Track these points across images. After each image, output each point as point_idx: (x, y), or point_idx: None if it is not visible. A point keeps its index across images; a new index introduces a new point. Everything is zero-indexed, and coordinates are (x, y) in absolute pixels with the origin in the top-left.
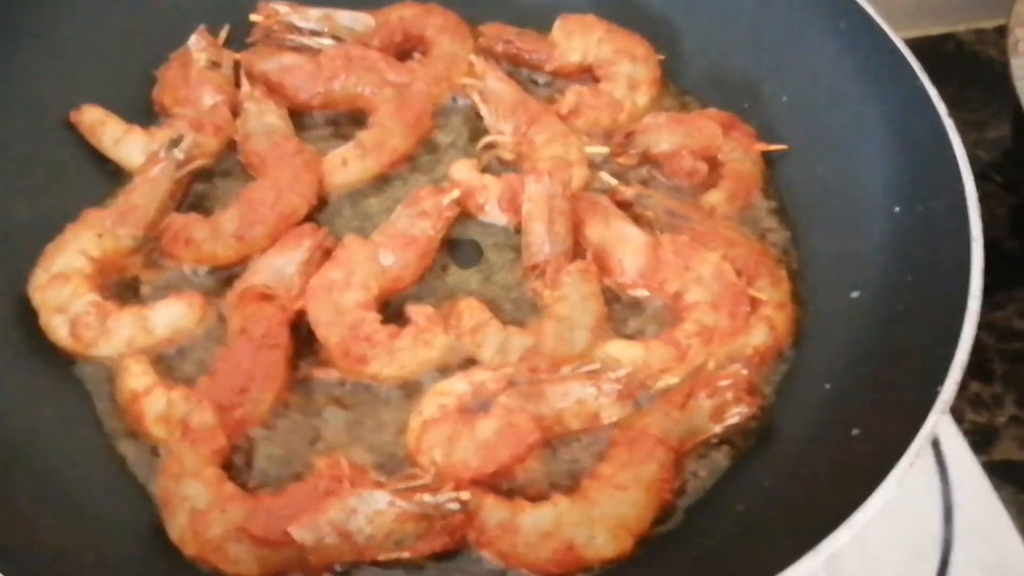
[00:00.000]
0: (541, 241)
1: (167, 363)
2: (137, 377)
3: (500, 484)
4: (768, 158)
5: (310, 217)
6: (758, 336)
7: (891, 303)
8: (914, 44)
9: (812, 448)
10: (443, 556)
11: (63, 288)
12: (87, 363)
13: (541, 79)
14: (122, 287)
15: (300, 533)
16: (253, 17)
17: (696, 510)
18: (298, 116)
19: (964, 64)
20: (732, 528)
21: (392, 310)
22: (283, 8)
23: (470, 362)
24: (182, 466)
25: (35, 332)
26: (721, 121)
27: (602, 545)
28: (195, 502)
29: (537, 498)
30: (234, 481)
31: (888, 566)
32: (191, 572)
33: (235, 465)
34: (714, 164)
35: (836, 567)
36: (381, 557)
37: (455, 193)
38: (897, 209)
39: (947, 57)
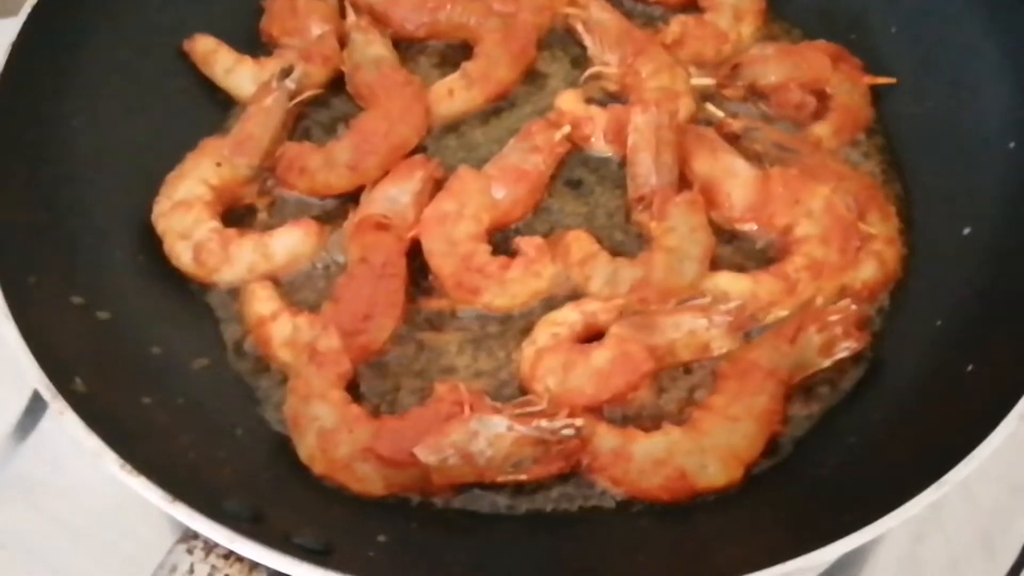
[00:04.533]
0: (648, 172)
1: (285, 285)
2: (264, 302)
3: (611, 413)
4: (876, 91)
5: (418, 148)
6: (867, 271)
7: (1005, 240)
8: None
9: (924, 383)
10: (559, 479)
11: (186, 215)
12: (212, 289)
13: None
14: (238, 214)
15: (425, 454)
16: None
17: (806, 442)
18: (398, 45)
19: None
20: (844, 459)
21: (500, 241)
22: None
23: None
24: (310, 388)
25: (160, 258)
26: (830, 53)
27: (714, 474)
28: (323, 423)
29: (647, 427)
30: (357, 403)
31: (986, 501)
32: (319, 488)
33: (357, 388)
34: (821, 97)
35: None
36: (500, 478)
37: (566, 128)
38: (1012, 145)
39: None
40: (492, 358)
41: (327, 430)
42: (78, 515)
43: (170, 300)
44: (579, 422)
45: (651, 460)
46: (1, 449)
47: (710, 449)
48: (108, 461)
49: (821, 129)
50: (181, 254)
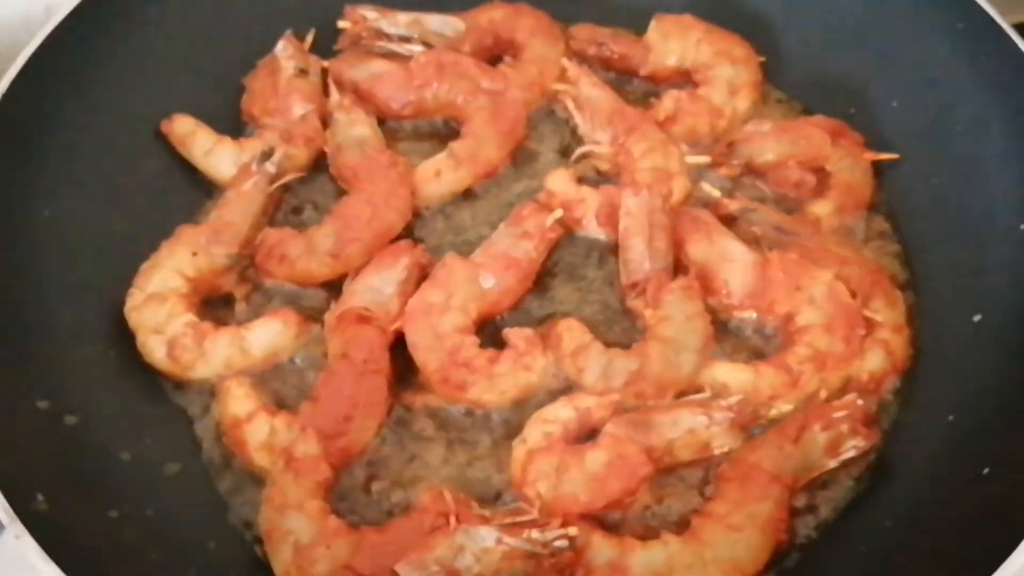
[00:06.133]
0: (641, 258)
1: (264, 381)
2: (239, 401)
3: (606, 518)
4: (878, 167)
5: (403, 230)
6: (874, 361)
7: (1019, 329)
8: (1018, 29)
9: (938, 487)
10: None
11: (159, 309)
12: (187, 385)
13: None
14: (216, 304)
15: (407, 572)
16: (341, 24)
17: (814, 551)
18: (383, 122)
19: None
20: (854, 573)
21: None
22: (371, 14)
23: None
24: (286, 498)
25: (133, 353)
26: (829, 129)
27: None
28: (299, 536)
29: (645, 535)
30: (336, 512)
31: None
32: None
33: (336, 496)
34: (821, 174)
35: None
36: None
37: (558, 212)
38: (1023, 226)
39: None
40: (481, 459)
41: (303, 545)
42: None
43: (142, 400)
44: (572, 531)
45: (649, 574)
46: None
47: (711, 561)
48: None
49: (821, 208)
50: (154, 350)
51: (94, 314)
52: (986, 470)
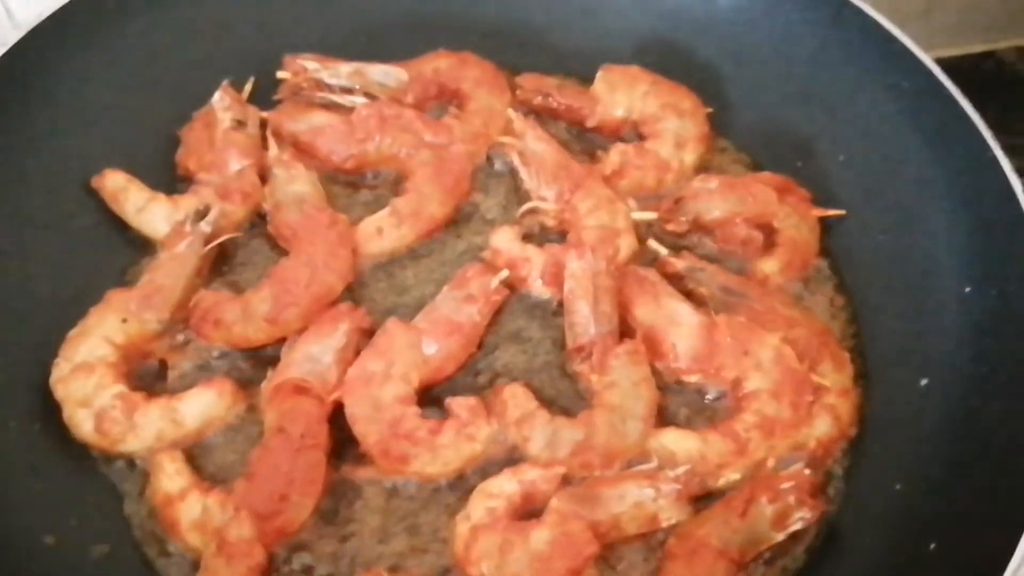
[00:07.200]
0: (586, 321)
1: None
2: (171, 478)
3: None
4: (824, 223)
5: (343, 291)
6: (821, 426)
7: (966, 395)
8: (953, 63)
9: (884, 562)
10: None
11: (87, 380)
12: (116, 460)
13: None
14: (147, 371)
15: None
16: (280, 74)
17: None
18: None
19: (1005, 84)
20: None
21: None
22: (311, 64)
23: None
24: None
25: (59, 427)
26: (776, 185)
27: None
28: None
29: None
30: None
31: None
32: None
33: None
34: (768, 231)
35: None
36: None
37: (504, 273)
38: (968, 289)
39: (987, 76)
40: (423, 535)
41: None
42: None
43: (69, 476)
44: None
45: None
46: None
47: None
48: None
49: (768, 265)
50: (81, 423)
51: (17, 386)
52: (933, 545)
